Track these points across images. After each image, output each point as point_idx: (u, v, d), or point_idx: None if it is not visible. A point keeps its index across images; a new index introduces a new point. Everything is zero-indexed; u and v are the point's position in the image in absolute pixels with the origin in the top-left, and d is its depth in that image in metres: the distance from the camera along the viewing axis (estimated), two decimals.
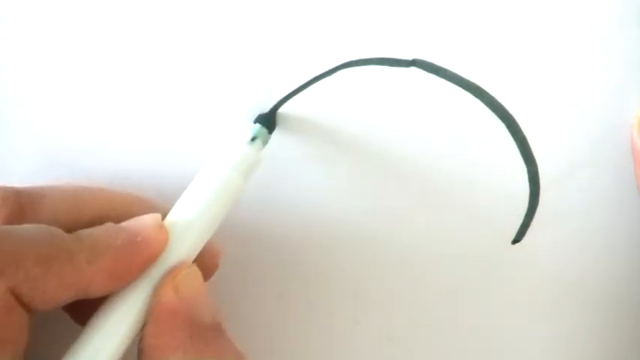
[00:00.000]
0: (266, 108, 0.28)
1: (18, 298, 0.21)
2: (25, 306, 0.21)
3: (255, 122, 0.28)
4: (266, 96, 0.28)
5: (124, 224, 0.24)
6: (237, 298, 0.30)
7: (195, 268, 0.24)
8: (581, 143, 0.28)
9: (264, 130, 0.27)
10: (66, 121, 0.29)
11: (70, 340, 0.22)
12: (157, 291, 0.23)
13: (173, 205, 0.25)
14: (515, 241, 0.29)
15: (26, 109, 0.29)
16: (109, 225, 0.23)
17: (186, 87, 0.28)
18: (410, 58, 0.28)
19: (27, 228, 0.22)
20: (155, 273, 0.23)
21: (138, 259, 0.23)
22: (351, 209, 0.29)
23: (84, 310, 0.23)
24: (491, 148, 0.28)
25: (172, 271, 0.23)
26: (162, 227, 0.24)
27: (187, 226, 0.24)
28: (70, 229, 0.23)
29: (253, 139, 0.26)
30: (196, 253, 0.24)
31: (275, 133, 0.28)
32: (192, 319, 0.23)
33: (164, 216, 0.24)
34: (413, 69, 0.28)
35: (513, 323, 0.30)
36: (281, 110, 0.28)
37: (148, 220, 0.24)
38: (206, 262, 0.25)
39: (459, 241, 0.29)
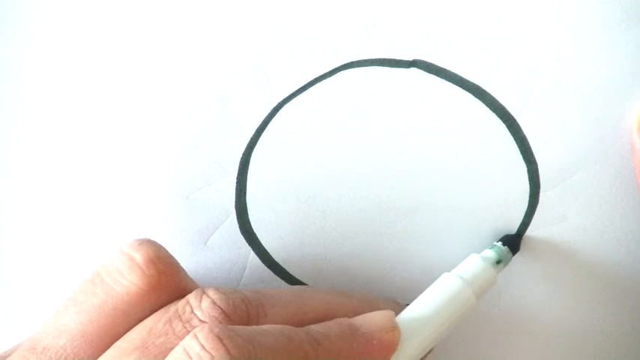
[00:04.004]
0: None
1: None
2: None
3: (502, 243, 0.28)
4: (267, 97, 0.28)
5: (357, 322, 0.24)
6: None
7: None
8: (581, 143, 0.28)
9: (505, 250, 0.28)
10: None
11: None
12: None
13: None
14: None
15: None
16: (344, 324, 0.24)
17: (185, 87, 0.28)
18: (410, 58, 0.28)
19: (268, 334, 0.22)
20: None
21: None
22: (350, 209, 0.29)
23: None
24: (491, 148, 0.28)
25: None
26: (396, 329, 0.24)
27: (416, 332, 0.24)
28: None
29: (498, 261, 0.27)
30: (427, 350, 0.25)
31: (275, 133, 0.28)
32: None
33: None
34: (413, 70, 0.28)
35: (513, 323, 0.30)
36: (280, 112, 0.28)
37: (381, 320, 0.24)
38: None
39: (458, 241, 0.29)
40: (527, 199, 0.29)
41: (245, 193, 0.29)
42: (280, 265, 0.30)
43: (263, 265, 0.30)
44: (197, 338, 0.21)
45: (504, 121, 0.28)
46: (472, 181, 0.29)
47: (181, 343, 0.21)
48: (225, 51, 0.28)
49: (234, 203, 0.29)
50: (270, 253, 0.30)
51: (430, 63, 0.28)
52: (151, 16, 0.28)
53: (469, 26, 0.27)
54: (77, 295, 0.24)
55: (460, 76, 0.28)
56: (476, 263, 0.26)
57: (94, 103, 0.29)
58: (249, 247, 0.29)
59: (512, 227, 0.29)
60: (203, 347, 0.20)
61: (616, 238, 0.29)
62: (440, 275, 0.27)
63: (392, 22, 0.28)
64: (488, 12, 0.27)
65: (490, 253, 0.27)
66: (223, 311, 0.23)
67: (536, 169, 0.28)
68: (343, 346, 0.23)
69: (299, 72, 0.28)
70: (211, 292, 0.23)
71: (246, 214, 0.29)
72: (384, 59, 0.28)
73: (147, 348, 0.22)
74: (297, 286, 0.29)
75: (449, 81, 0.28)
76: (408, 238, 0.29)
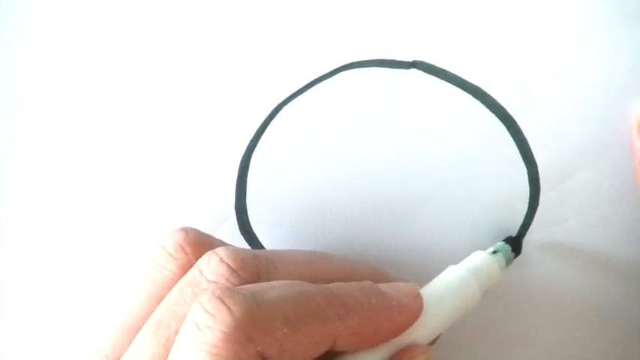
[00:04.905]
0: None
1: None
2: None
3: (504, 243, 0.28)
4: (266, 98, 0.28)
5: (379, 284, 0.23)
6: None
7: (431, 356, 0.23)
8: (581, 143, 0.28)
9: (508, 248, 0.28)
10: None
11: None
12: None
13: None
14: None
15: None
16: (364, 283, 0.23)
17: (184, 88, 0.28)
18: (410, 59, 0.28)
19: (274, 287, 0.21)
20: (392, 345, 0.22)
21: (389, 323, 0.22)
22: (350, 209, 0.29)
23: None
24: (491, 149, 0.28)
25: (410, 350, 0.22)
26: (419, 297, 0.23)
27: (433, 308, 0.24)
28: None
29: (494, 252, 0.27)
30: (429, 340, 0.24)
31: (275, 134, 0.28)
32: None
33: None
34: (413, 71, 0.28)
35: (513, 323, 0.30)
36: (280, 113, 0.28)
37: (404, 286, 0.23)
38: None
39: (459, 241, 0.29)
40: (528, 200, 0.29)
41: (245, 194, 0.29)
42: None
43: None
44: (200, 303, 0.20)
45: (504, 123, 0.28)
46: (472, 183, 0.29)
47: (189, 312, 0.21)
48: (225, 52, 0.28)
49: (234, 204, 0.29)
50: None
51: (430, 64, 0.28)
52: (151, 18, 0.28)
53: (469, 27, 0.27)
54: (121, 289, 0.25)
55: (460, 77, 0.28)
56: (481, 258, 0.26)
57: (94, 104, 0.29)
58: (250, 248, 0.29)
59: (513, 229, 0.29)
60: (206, 310, 0.20)
61: (616, 238, 0.29)
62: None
63: (391, 22, 0.28)
64: (487, 13, 0.27)
65: (493, 250, 0.27)
66: (230, 267, 0.22)
67: (536, 171, 0.28)
68: (361, 299, 0.22)
69: (299, 73, 0.28)
70: (220, 250, 0.23)
71: (246, 215, 0.29)
72: (384, 60, 0.28)
73: (161, 322, 0.22)
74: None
75: (449, 82, 0.28)
76: (409, 240, 0.29)
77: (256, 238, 0.29)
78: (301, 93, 0.28)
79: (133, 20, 0.28)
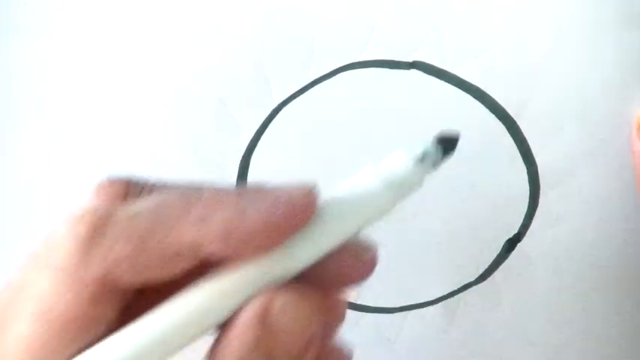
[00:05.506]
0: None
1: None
2: (121, 284, 0.17)
3: (435, 140, 0.22)
4: (267, 98, 0.28)
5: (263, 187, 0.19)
6: None
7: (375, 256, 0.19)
8: (580, 145, 0.28)
9: (438, 151, 0.22)
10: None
11: None
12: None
13: None
14: (515, 240, 0.29)
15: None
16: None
17: (184, 88, 0.28)
18: (410, 60, 0.28)
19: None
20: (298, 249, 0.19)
21: (267, 222, 0.18)
22: None
23: None
24: (491, 149, 0.28)
25: (354, 249, 0.19)
26: (312, 193, 0.19)
27: (335, 212, 0.20)
28: None
29: (423, 158, 0.22)
30: (333, 245, 0.20)
31: (275, 134, 0.28)
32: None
33: None
34: (413, 71, 0.28)
35: (513, 323, 0.30)
36: (280, 113, 0.28)
37: (295, 184, 0.19)
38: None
39: (459, 241, 0.29)
40: (527, 200, 0.29)
41: None
42: None
43: None
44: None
45: (504, 123, 0.28)
46: (472, 183, 0.29)
47: None
48: (225, 52, 0.28)
49: None
50: None
51: (430, 64, 0.28)
52: (151, 17, 0.28)
53: (469, 27, 0.27)
54: None
55: (460, 78, 0.28)
56: (404, 168, 0.21)
57: (94, 104, 0.29)
58: None
59: (513, 228, 0.29)
60: None
61: (616, 238, 0.29)
62: (439, 277, 0.27)
63: (392, 23, 0.28)
64: (487, 13, 0.27)
65: (422, 156, 0.22)
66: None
67: (536, 171, 0.28)
68: (229, 197, 0.18)
69: (299, 73, 0.28)
70: None
71: None
72: (384, 60, 0.28)
73: None
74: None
75: (449, 82, 0.28)
76: (409, 240, 0.29)
77: None
78: (301, 93, 0.28)
79: (134, 20, 0.28)
